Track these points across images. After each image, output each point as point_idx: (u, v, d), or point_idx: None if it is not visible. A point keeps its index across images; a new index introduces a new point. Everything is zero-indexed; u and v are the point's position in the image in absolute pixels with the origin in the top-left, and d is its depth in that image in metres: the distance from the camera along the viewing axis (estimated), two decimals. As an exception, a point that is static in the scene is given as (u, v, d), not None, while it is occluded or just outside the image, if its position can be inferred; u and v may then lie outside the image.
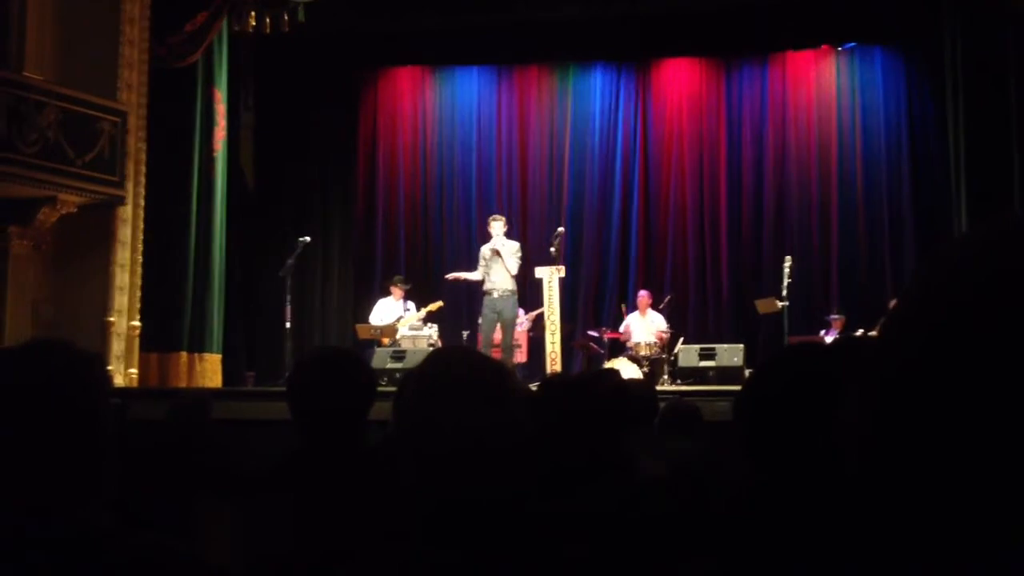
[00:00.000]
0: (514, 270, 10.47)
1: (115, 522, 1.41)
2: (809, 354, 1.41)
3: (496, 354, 10.37)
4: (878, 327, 0.75)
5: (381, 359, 10.45)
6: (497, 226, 10.63)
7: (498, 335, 10.75)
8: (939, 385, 0.60)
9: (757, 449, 1.35)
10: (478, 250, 11.32)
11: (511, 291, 10.55)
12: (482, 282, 10.69)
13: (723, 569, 1.31)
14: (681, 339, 11.44)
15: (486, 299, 10.67)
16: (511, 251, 10.49)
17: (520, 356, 11.59)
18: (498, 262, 10.46)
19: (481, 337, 10.89)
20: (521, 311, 11.75)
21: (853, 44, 13.16)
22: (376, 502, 1.94)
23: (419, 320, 11.74)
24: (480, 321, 11.03)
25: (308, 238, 11.77)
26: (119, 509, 1.44)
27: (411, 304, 11.92)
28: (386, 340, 11.45)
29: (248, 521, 2.26)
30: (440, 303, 11.77)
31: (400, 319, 11.72)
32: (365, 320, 12.12)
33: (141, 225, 10.36)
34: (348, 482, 2.27)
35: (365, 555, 1.55)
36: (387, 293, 12.19)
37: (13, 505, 1.38)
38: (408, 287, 12.12)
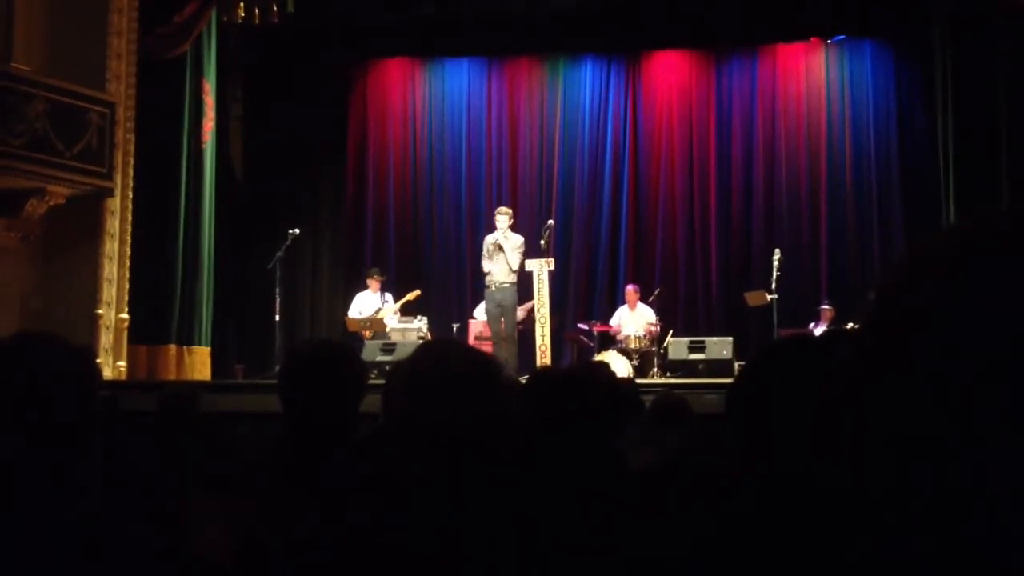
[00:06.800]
0: (515, 265, 10.52)
1: (107, 516, 1.40)
2: (802, 347, 1.41)
3: (503, 345, 10.43)
4: (861, 318, 0.75)
5: (371, 352, 10.43)
6: (503, 219, 10.62)
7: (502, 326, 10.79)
8: (929, 384, 0.60)
9: (750, 443, 1.35)
10: (467, 242, 11.27)
11: (511, 283, 10.61)
12: (486, 273, 10.71)
13: (719, 564, 1.31)
14: (671, 332, 11.45)
15: (487, 292, 10.71)
16: (514, 245, 10.53)
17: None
18: (500, 255, 10.50)
19: (490, 330, 10.87)
20: None
21: (843, 37, 13.17)
22: (367, 494, 1.94)
23: (395, 312, 11.72)
24: (485, 316, 11.02)
25: (297, 230, 11.76)
26: (111, 502, 1.44)
27: (389, 296, 11.91)
28: (367, 333, 11.39)
29: (240, 514, 2.26)
30: (417, 292, 11.78)
31: (378, 311, 11.69)
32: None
33: (129, 217, 10.32)
34: (339, 475, 2.27)
35: (356, 546, 1.55)
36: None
37: (4, 500, 1.37)
38: (384, 279, 12.08)
